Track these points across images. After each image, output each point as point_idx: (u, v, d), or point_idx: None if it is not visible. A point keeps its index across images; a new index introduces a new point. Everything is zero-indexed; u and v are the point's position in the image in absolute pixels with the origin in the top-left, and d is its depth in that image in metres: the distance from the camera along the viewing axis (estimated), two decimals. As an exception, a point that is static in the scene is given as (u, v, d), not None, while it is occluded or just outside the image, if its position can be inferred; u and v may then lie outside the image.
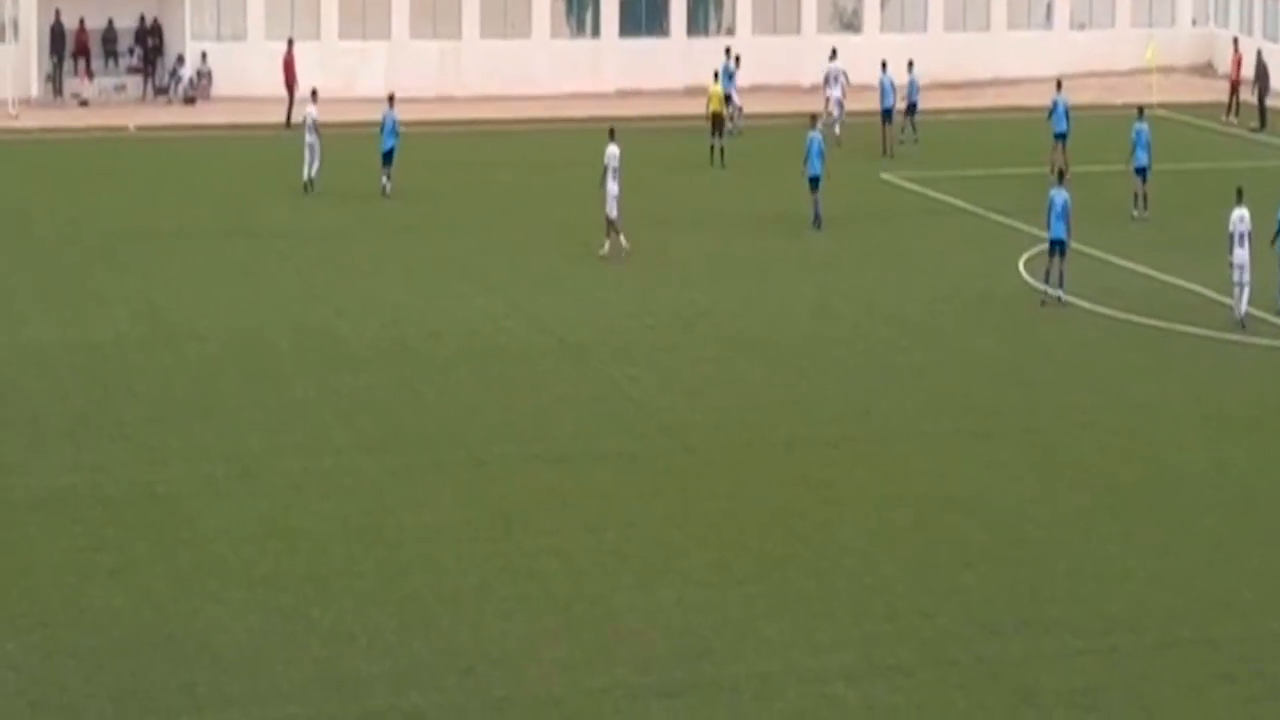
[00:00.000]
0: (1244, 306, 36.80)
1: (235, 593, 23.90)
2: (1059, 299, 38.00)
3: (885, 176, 51.38)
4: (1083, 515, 26.82)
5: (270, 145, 55.40)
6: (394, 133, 48.65)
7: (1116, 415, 31.50)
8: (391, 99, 50.42)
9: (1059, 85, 52.89)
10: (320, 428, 30.36)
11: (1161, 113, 64.70)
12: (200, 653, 22.17)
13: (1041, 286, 38.65)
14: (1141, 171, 46.48)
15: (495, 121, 60.46)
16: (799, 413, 31.44)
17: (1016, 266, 41.38)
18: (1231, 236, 37.05)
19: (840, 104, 57.81)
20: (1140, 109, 49.08)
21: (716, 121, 53.64)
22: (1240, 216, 37.20)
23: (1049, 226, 38.36)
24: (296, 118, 52.19)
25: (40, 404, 31.57)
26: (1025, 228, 45.06)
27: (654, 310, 37.90)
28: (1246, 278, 36.75)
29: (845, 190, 48.55)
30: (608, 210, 41.82)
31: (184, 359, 34.27)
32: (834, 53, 61.27)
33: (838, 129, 56.06)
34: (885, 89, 55.97)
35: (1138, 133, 46.68)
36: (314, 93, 51.20)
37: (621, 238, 42.03)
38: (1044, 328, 36.90)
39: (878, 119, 55.18)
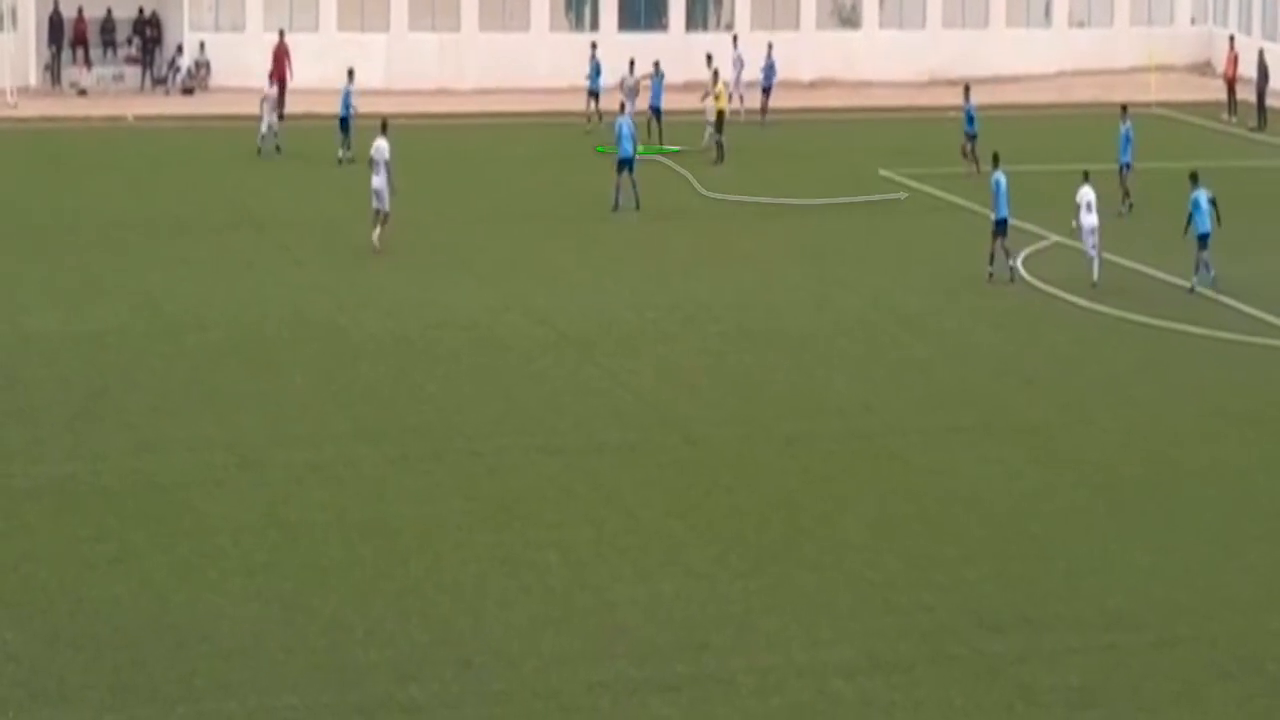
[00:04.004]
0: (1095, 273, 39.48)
1: (235, 582, 23.88)
2: (1010, 275, 39.65)
3: (884, 173, 51.37)
4: (1082, 512, 26.83)
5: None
6: (346, 105, 52.18)
7: (1117, 412, 31.51)
8: (351, 73, 53.84)
9: (967, 90, 52.74)
10: (320, 418, 30.35)
11: (1160, 111, 64.76)
12: (200, 642, 22.16)
13: (990, 268, 39.93)
14: (1123, 169, 46.52)
15: (494, 114, 60.44)
16: (800, 406, 31.44)
17: (1016, 263, 41.35)
18: (1079, 207, 40.23)
19: (739, 84, 59.03)
20: (1124, 107, 48.88)
21: (722, 118, 53.70)
22: (1085, 192, 40.24)
23: (995, 209, 39.91)
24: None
25: (40, 393, 31.56)
26: (1024, 224, 45.05)
27: (655, 303, 37.90)
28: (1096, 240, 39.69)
29: (843, 185, 48.57)
30: (376, 204, 41.04)
31: (184, 349, 34.26)
32: (735, 40, 62.63)
33: (741, 111, 57.80)
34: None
35: (1123, 133, 46.62)
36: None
37: (376, 233, 41.04)
38: (1044, 324, 36.92)
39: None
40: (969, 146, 51.10)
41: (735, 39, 63.81)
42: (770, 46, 61.22)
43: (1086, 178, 40.95)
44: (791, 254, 42.69)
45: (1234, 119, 63.35)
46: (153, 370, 32.92)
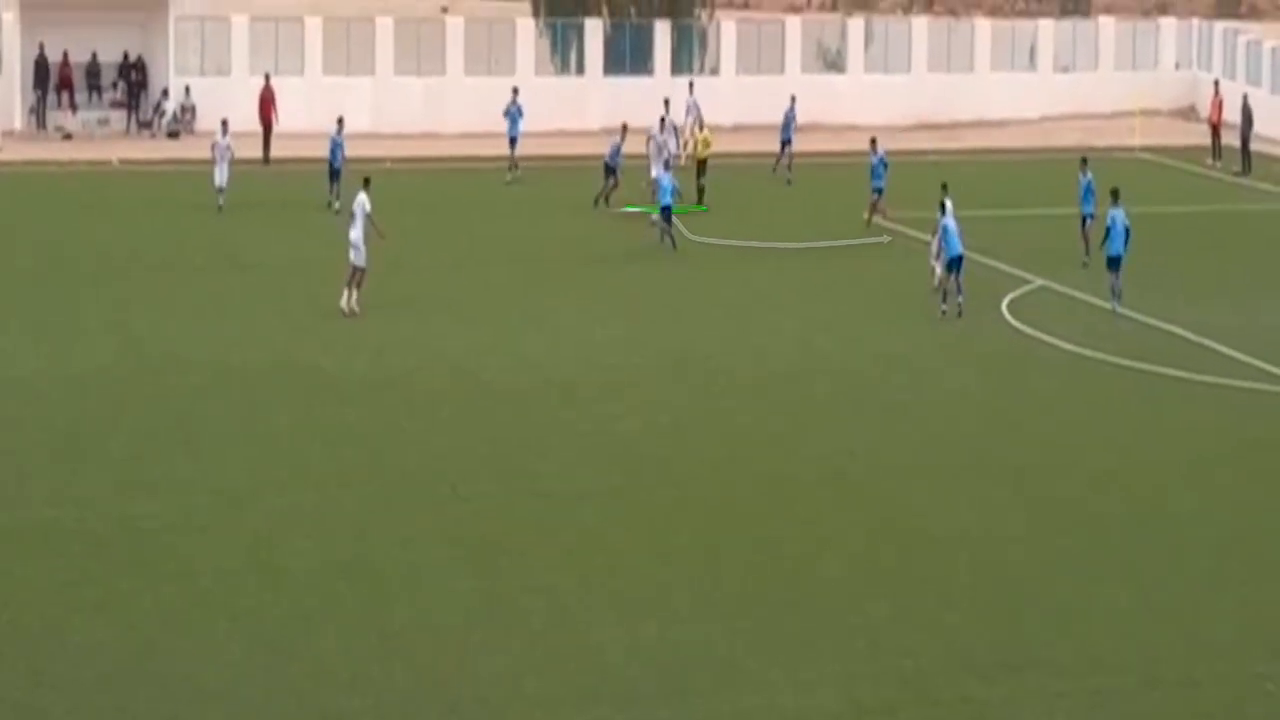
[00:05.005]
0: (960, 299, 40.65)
1: (218, 626, 23.84)
2: (959, 312, 40.03)
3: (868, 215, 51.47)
4: (1067, 555, 26.84)
5: (253, 180, 55.42)
6: (335, 153, 51.76)
7: (1100, 455, 31.56)
8: (340, 122, 53.01)
9: (874, 142, 51.25)
10: (304, 462, 30.34)
11: (1144, 156, 65.01)
12: (183, 686, 22.11)
13: (943, 306, 40.44)
14: (1084, 220, 45.71)
15: (479, 159, 60.55)
16: (783, 450, 31.46)
17: (999, 307, 41.48)
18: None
19: (694, 133, 58.33)
20: (1083, 159, 47.23)
21: (703, 164, 53.61)
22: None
23: (946, 248, 40.52)
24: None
25: (23, 436, 31.52)
26: (1007, 269, 45.21)
27: (639, 346, 37.95)
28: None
29: (827, 229, 48.67)
30: (352, 257, 39.81)
31: (167, 391, 34.25)
32: (691, 86, 62.51)
33: (683, 157, 57.26)
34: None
35: (1085, 187, 45.72)
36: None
37: (346, 295, 39.73)
38: (1027, 367, 36.99)
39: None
40: (877, 201, 49.85)
41: (691, 85, 63.71)
42: (793, 99, 60.44)
43: (945, 190, 42.50)
44: (776, 298, 42.75)
45: (1218, 164, 63.61)
46: (136, 412, 32.90)
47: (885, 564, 26.35)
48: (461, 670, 22.70)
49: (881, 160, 50.17)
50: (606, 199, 52.65)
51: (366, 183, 41.27)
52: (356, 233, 39.95)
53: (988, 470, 30.63)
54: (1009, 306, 41.61)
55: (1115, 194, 41.61)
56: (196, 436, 31.51)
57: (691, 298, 42.64)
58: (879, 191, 50.11)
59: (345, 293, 39.84)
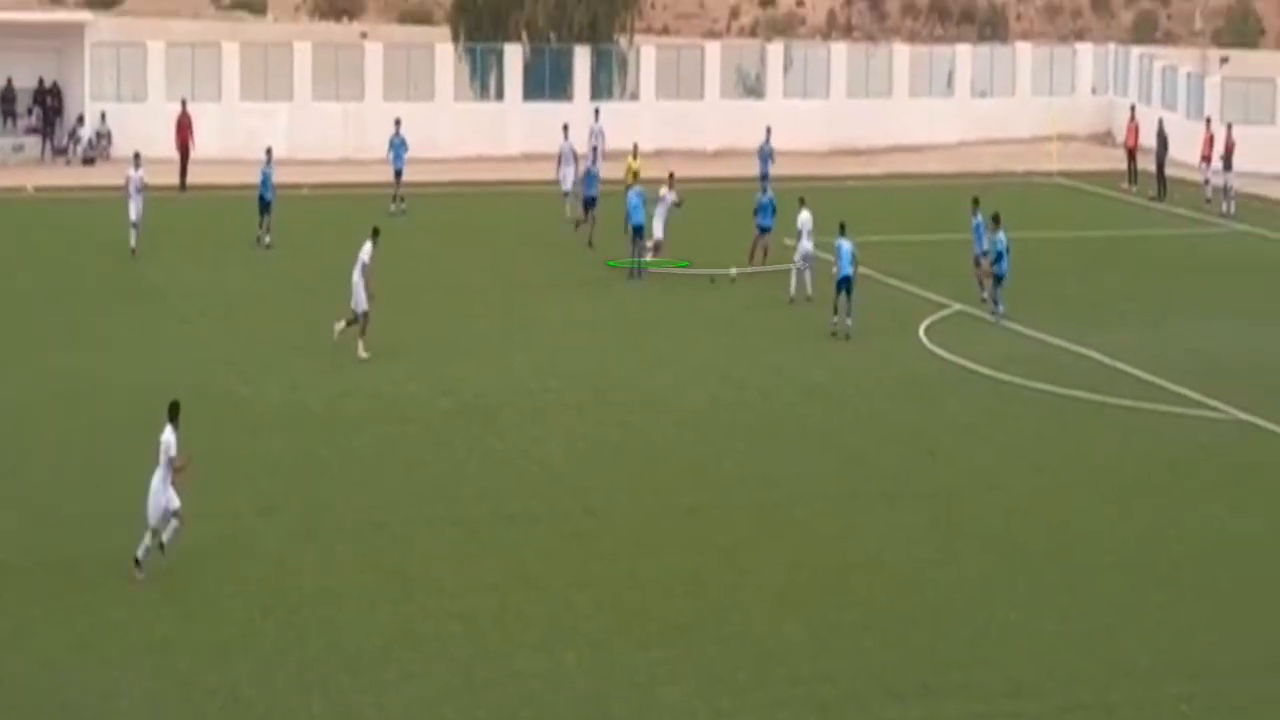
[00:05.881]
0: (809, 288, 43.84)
1: (133, 658, 23.60)
2: (847, 334, 41.06)
3: (789, 241, 51.50)
4: (985, 579, 26.90)
5: (169, 206, 55.11)
6: (266, 185, 50.50)
7: (1017, 479, 31.66)
8: (269, 153, 52.09)
9: (765, 185, 50.66)
10: (220, 491, 30.07)
11: (1061, 181, 65.42)
12: (94, 718, 21.87)
13: (833, 319, 41.48)
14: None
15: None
16: (702, 477, 31.43)
17: (918, 332, 41.62)
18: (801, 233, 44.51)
19: (599, 160, 58.35)
20: (975, 199, 45.73)
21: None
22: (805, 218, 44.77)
23: (839, 269, 41.68)
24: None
25: (-65, 466, 31.19)
26: (926, 294, 45.38)
27: (559, 373, 37.88)
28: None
29: (742, 255, 48.70)
30: (351, 301, 38.90)
31: (81, 422, 33.95)
32: (596, 113, 62.39)
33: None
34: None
35: (977, 227, 44.48)
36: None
37: (342, 327, 39.00)
38: (945, 392, 37.10)
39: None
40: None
41: (597, 112, 63.61)
42: (769, 131, 59.91)
43: (802, 202, 45.00)
44: (695, 324, 42.77)
45: (1134, 188, 64.08)
46: (49, 443, 32.60)
47: (805, 590, 26.34)
48: (380, 699, 22.55)
49: (771, 201, 48.88)
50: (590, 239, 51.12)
51: (375, 233, 39.76)
52: (356, 275, 39.04)
53: (906, 495, 30.68)
54: (927, 331, 41.76)
55: (996, 219, 42.80)
56: (110, 467, 31.21)
57: (611, 325, 42.62)
58: (764, 230, 48.61)
59: (352, 330, 38.99)
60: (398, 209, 56.31)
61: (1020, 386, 37.41)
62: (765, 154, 58.51)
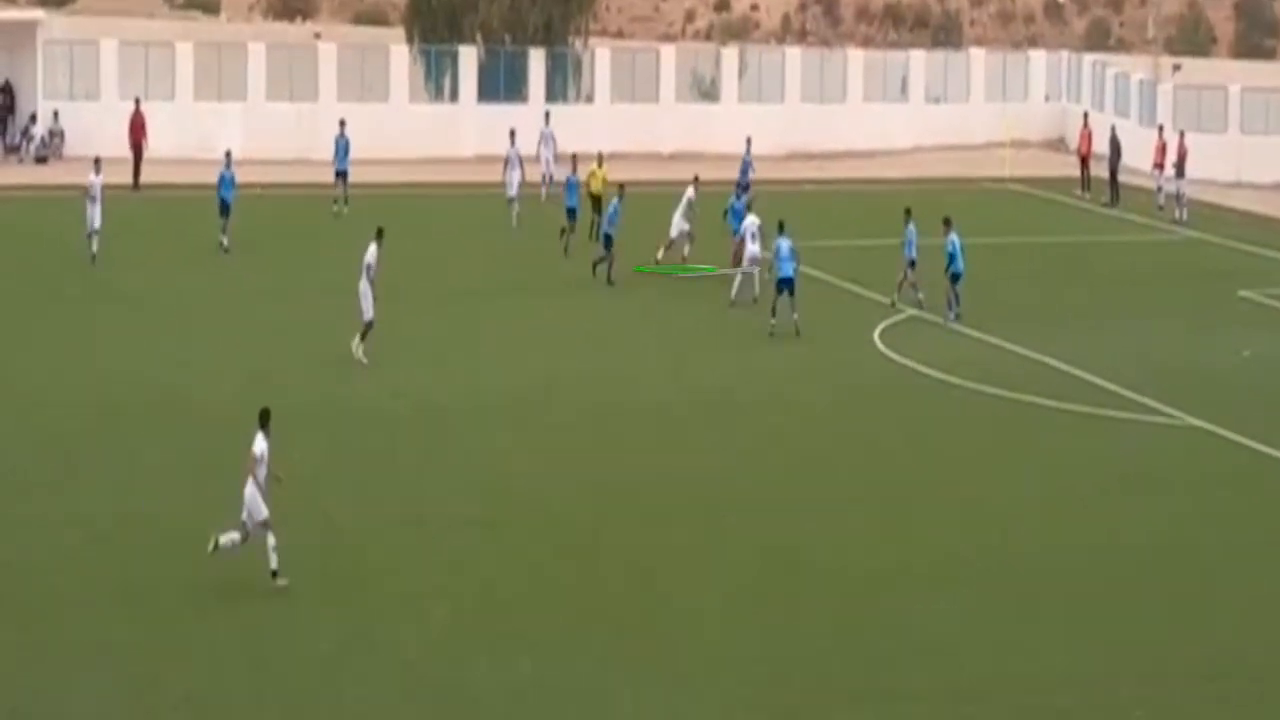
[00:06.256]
0: (755, 290, 43.91)
1: (85, 660, 23.50)
2: (796, 329, 41.05)
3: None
4: (937, 584, 26.94)
5: (122, 206, 54.85)
6: (230, 185, 49.69)
7: (972, 485, 31.74)
8: (228, 155, 51.19)
9: (741, 194, 50.95)
10: (172, 494, 29.98)
11: (1015, 187, 65.62)
12: (48, 721, 21.81)
13: (772, 321, 41.39)
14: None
15: (351, 185, 60.15)
16: (657, 480, 31.42)
17: (872, 337, 41.71)
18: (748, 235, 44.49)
19: (550, 165, 58.73)
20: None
21: (596, 201, 51.91)
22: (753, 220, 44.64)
23: (778, 269, 41.43)
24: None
25: (-115, 467, 31.00)
26: (880, 298, 45.45)
27: (513, 376, 37.83)
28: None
29: (700, 259, 48.73)
30: (364, 312, 38.16)
31: (33, 424, 33.77)
32: (547, 117, 62.24)
33: (544, 193, 57.43)
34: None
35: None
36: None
37: (360, 344, 38.26)
38: (900, 397, 37.18)
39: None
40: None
41: (547, 115, 63.22)
42: (749, 141, 59.42)
43: (749, 207, 46.06)
44: (648, 328, 42.78)
45: (1087, 195, 64.33)
46: (0, 446, 32.41)
47: (758, 595, 26.36)
48: (333, 701, 22.49)
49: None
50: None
51: (379, 234, 39.00)
52: (363, 283, 38.31)
53: (860, 500, 30.73)
54: (881, 336, 41.84)
55: (948, 222, 43.25)
56: (62, 471, 31.07)
57: (564, 327, 42.59)
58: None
59: (355, 339, 38.45)
60: (338, 210, 55.93)
61: (974, 391, 37.51)
62: (745, 164, 58.46)
